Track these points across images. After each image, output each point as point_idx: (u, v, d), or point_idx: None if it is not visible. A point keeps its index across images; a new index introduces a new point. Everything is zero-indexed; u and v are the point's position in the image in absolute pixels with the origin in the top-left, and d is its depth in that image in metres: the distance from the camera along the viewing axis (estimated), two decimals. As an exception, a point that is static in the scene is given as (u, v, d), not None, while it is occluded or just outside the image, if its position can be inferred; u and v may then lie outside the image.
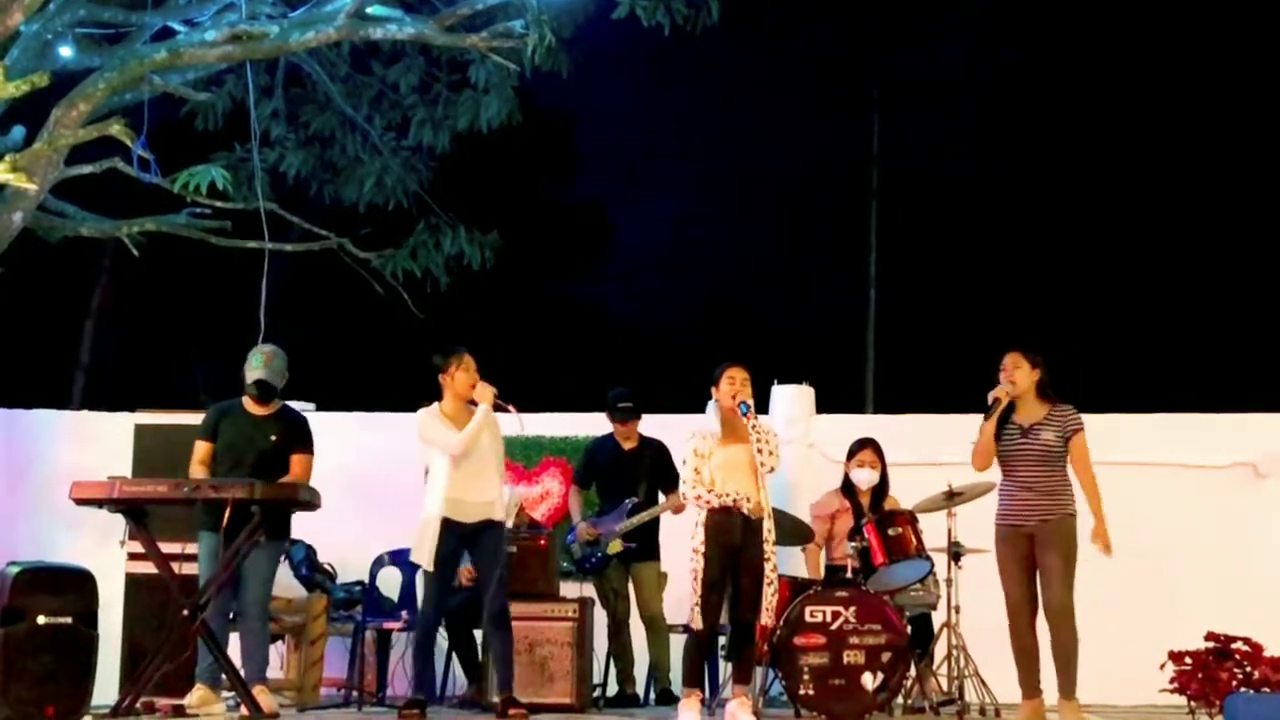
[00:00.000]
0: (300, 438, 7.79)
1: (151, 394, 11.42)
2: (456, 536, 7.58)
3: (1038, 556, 7.16)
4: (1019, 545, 7.21)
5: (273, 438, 7.71)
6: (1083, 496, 7.29)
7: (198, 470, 7.65)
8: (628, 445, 8.94)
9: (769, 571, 7.04)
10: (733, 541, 7.05)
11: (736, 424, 7.16)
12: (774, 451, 7.10)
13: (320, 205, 11.99)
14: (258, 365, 7.74)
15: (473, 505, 7.60)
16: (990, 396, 7.36)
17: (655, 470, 8.82)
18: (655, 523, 8.75)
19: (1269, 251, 19.32)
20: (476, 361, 7.76)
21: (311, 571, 9.00)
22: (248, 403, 7.80)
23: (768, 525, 7.09)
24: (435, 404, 7.75)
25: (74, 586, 6.98)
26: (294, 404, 8.20)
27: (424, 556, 7.54)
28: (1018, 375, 7.31)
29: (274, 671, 8.26)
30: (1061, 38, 20.80)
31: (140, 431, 8.89)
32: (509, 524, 8.43)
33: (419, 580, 7.84)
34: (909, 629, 7.73)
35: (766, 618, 7.08)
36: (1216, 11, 19.52)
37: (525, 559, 8.20)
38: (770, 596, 7.04)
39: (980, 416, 7.46)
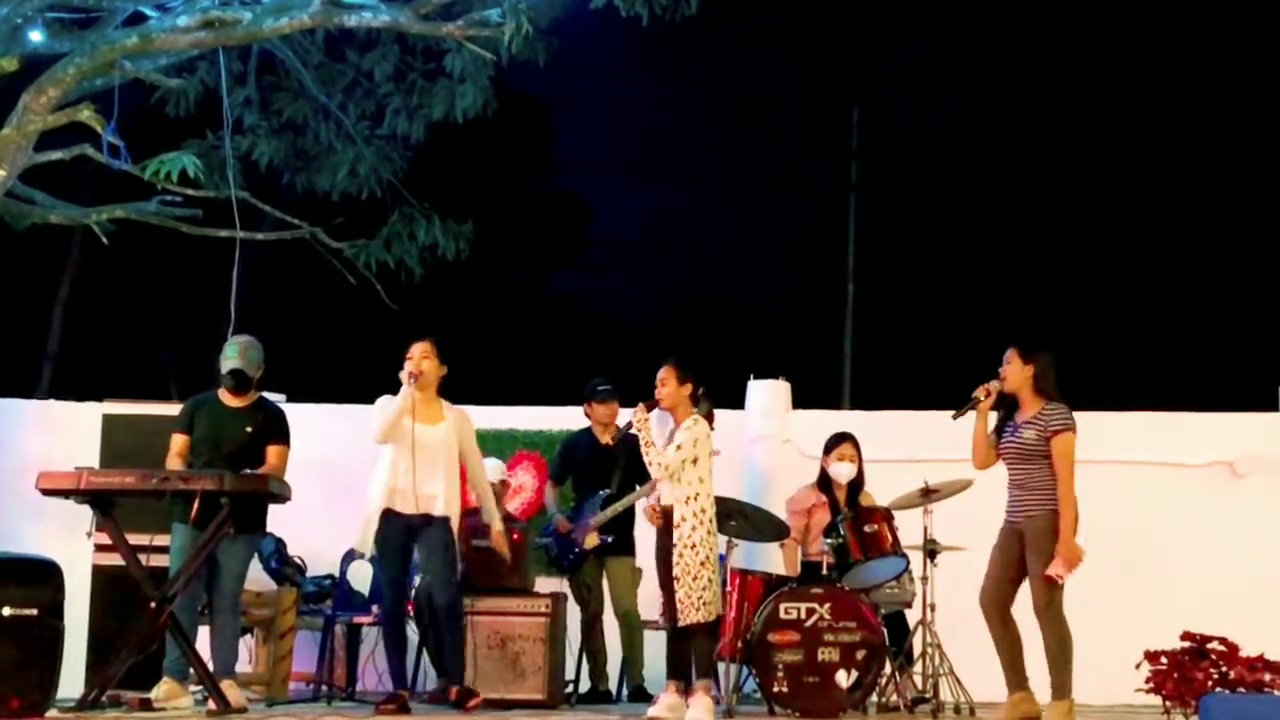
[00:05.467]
0: (277, 429, 7.72)
1: (120, 384, 11.34)
2: (399, 527, 7.51)
3: (1025, 554, 7.10)
4: (1011, 541, 7.10)
5: (249, 429, 7.64)
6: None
7: (174, 463, 7.58)
8: (603, 439, 8.87)
9: (692, 568, 6.98)
10: (661, 542, 7.17)
11: (674, 426, 7.23)
12: (682, 446, 7.08)
13: (293, 194, 11.89)
14: (233, 355, 7.68)
15: (408, 497, 7.51)
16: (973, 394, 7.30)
17: (630, 464, 8.73)
18: (631, 518, 8.68)
19: (1249, 251, 19.38)
20: (445, 352, 7.68)
21: (281, 564, 8.92)
22: (224, 394, 7.73)
23: (678, 520, 7.05)
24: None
25: (40, 578, 6.92)
26: (266, 395, 8.10)
27: (362, 543, 7.58)
28: (1008, 371, 7.18)
29: (242, 665, 8.19)
30: (1043, 32, 20.82)
31: (108, 421, 8.79)
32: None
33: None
34: (884, 627, 7.68)
35: (695, 614, 6.98)
36: (1204, 7, 19.55)
37: (498, 553, 8.12)
38: (699, 591, 6.96)
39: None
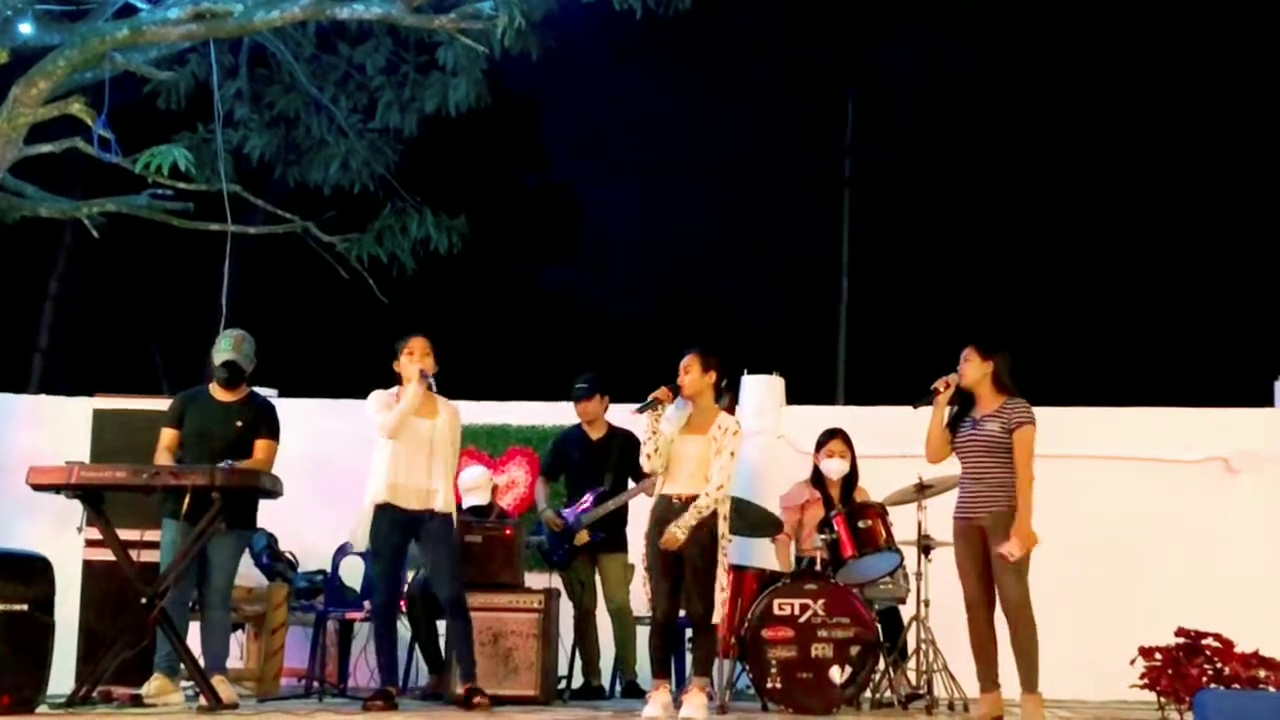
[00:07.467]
0: (266, 423, 7.68)
1: (111, 378, 11.25)
2: (397, 523, 7.44)
3: (990, 550, 7.09)
4: (972, 539, 7.13)
5: (239, 424, 7.60)
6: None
7: (164, 458, 7.54)
8: (595, 435, 8.85)
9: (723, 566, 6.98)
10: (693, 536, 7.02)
11: (695, 414, 7.13)
12: (735, 453, 7.09)
13: (284, 188, 11.85)
14: (226, 348, 7.65)
15: (410, 491, 7.45)
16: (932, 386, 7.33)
17: (623, 460, 8.72)
18: (624, 514, 8.66)
19: (1243, 247, 19.38)
20: (439, 347, 7.63)
21: (273, 560, 8.89)
22: (214, 389, 7.69)
23: (722, 519, 7.01)
24: (396, 387, 7.63)
25: (30, 573, 6.89)
26: (257, 389, 8.06)
27: (356, 538, 7.53)
28: (967, 368, 7.25)
29: (234, 661, 8.15)
30: (1038, 28, 20.80)
31: (99, 416, 8.74)
32: (484, 500, 8.39)
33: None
34: (878, 622, 7.66)
35: (721, 611, 7.00)
36: (1187, 11, 19.57)
37: (490, 549, 8.10)
38: (718, 592, 6.97)
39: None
